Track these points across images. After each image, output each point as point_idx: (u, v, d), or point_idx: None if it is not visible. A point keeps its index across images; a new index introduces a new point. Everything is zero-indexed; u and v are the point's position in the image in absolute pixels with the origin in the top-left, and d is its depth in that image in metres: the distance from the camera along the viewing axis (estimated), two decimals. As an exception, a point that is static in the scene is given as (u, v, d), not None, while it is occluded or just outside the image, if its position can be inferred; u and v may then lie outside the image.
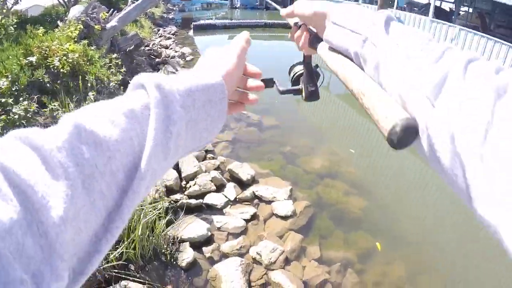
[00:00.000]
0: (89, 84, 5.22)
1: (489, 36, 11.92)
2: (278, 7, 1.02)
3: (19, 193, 0.30)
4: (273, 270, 3.70)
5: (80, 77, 5.13)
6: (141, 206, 3.45)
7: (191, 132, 0.49)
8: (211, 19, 27.59)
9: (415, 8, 23.60)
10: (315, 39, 0.76)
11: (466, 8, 18.96)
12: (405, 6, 35.08)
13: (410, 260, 4.24)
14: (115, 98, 0.46)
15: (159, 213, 3.69)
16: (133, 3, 10.18)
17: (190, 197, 4.55)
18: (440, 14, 17.01)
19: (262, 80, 0.74)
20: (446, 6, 20.44)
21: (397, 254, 4.27)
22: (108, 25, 7.74)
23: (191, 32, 20.15)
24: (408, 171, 6.69)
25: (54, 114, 4.30)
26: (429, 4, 16.72)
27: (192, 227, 3.99)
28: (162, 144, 0.42)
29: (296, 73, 0.95)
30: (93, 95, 4.83)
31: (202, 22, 21.95)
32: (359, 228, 4.63)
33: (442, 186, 5.51)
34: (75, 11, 7.51)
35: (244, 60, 0.68)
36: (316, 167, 5.93)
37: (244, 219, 4.37)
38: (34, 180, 0.31)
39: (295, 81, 0.96)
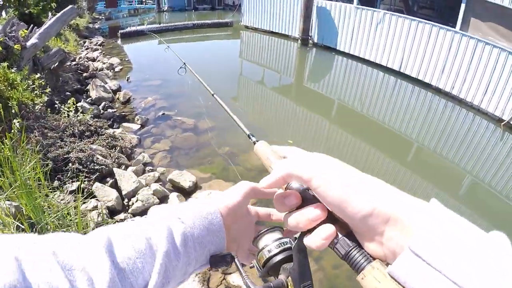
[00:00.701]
0: (12, 111, 4.97)
1: (412, 17, 12.62)
2: (254, 139, 0.80)
3: None
4: (230, 274, 3.74)
5: (1, 104, 4.87)
6: (85, 233, 3.35)
7: (185, 270, 0.58)
8: (143, 24, 27.00)
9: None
10: (346, 240, 0.49)
11: (389, -7, 19.86)
12: (331, -4, 36.08)
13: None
14: (143, 222, 0.58)
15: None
16: (54, 16, 9.78)
17: (134, 214, 4.47)
18: (365, 0, 17.68)
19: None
20: None
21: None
22: (29, 43, 7.37)
23: (119, 41, 19.65)
24: (349, 153, 6.98)
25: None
26: (354, -8, 17.37)
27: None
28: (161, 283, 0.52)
29: (274, 255, 0.63)
30: (19, 122, 4.61)
31: (129, 29, 21.42)
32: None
33: (381, 165, 5.79)
34: (-8, 30, 7.10)
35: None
36: (257, 163, 6.01)
37: (192, 228, 4.36)
38: None
39: (273, 267, 0.64)
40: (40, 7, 14.29)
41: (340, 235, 0.48)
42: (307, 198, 0.54)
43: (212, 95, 1.62)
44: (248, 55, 17.66)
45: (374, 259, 0.45)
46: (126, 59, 14.44)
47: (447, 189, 6.36)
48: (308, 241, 0.50)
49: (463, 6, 10.57)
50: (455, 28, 10.85)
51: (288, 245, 0.62)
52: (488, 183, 6.72)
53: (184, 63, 3.45)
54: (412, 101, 11.37)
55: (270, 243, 0.64)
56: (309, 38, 17.49)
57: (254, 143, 0.76)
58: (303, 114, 9.55)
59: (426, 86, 11.86)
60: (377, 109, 10.53)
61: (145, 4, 46.69)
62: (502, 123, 9.06)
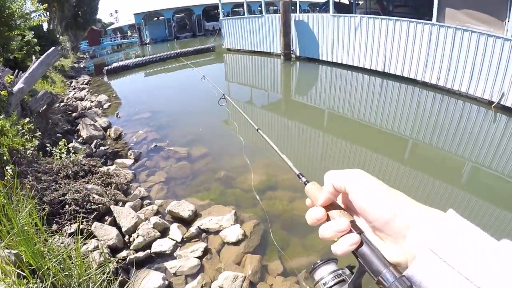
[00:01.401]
0: (4, 158, 4.93)
1: (388, 17, 12.91)
2: (304, 179, 0.78)
3: None
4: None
5: (-8, 152, 4.84)
6: (87, 275, 3.28)
7: None
8: (130, 58, 27.23)
9: (317, 8, 24.90)
10: (368, 252, 0.55)
11: (364, -3, 20.29)
12: (308, 8, 36.95)
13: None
14: None
15: (109, 277, 3.53)
16: (38, 59, 9.81)
17: (137, 250, 4.40)
18: (341, 8, 18.10)
19: None
20: (345, 0, 21.74)
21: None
22: (15, 88, 7.38)
23: (105, 78, 19.78)
24: (345, 158, 6.96)
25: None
26: (328, 1, 17.69)
27: (147, 281, 3.84)
28: None
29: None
30: (11, 168, 4.56)
31: (114, 65, 21.59)
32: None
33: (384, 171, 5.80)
34: (-21, 79, 7.10)
35: None
36: (254, 183, 5.99)
37: (197, 257, 4.30)
38: None
39: None
40: (24, 52, 14.39)
41: (364, 243, 0.55)
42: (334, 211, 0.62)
43: (257, 130, 1.55)
44: (233, 77, 17.79)
45: (391, 264, 0.51)
46: (114, 95, 14.49)
47: (448, 179, 6.30)
48: (335, 246, 0.57)
49: None
50: (431, 21, 11.05)
51: (343, 277, 0.64)
52: (489, 166, 6.73)
53: (224, 94, 3.55)
54: (401, 99, 11.47)
55: (325, 276, 0.66)
56: (291, 52, 17.74)
57: (305, 183, 0.75)
58: (295, 128, 9.57)
59: (413, 82, 12.01)
60: (367, 112, 10.58)
61: (128, 38, 47.24)
62: (493, 105, 9.21)
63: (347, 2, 21.35)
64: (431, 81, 11.33)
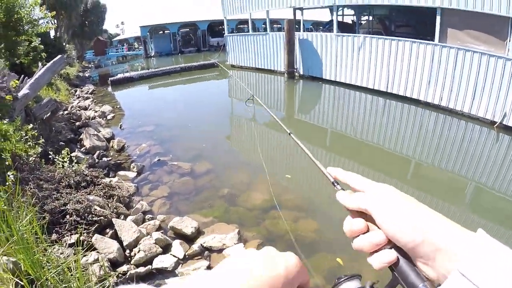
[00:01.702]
0: (6, 163, 4.83)
1: (391, 38, 13.09)
2: (339, 187, 0.71)
3: None
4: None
5: (-6, 157, 4.75)
6: (86, 288, 3.18)
7: None
8: (137, 70, 27.47)
9: (320, 27, 25.18)
10: (404, 267, 0.54)
11: (366, 17, 20.56)
12: (311, 27, 37.38)
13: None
14: None
15: (107, 291, 3.41)
16: (44, 66, 9.80)
17: (137, 265, 4.28)
18: (344, 27, 18.28)
19: None
20: (348, 19, 22.03)
21: (359, 262, 4.28)
22: (20, 94, 7.33)
23: (109, 88, 19.83)
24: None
25: (-30, 202, 3.90)
26: (332, 21, 17.85)
27: (145, 297, 3.72)
28: None
29: None
30: (13, 174, 4.47)
31: (119, 76, 21.71)
32: (318, 250, 4.67)
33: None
34: (-15, 82, 7.05)
35: None
36: (257, 202, 5.92)
37: (199, 276, 4.17)
38: None
39: None
40: (31, 57, 14.44)
41: (400, 260, 0.54)
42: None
43: (289, 134, 1.55)
44: (236, 93, 17.83)
45: (427, 280, 0.51)
46: (118, 106, 14.51)
47: (451, 200, 6.25)
48: (372, 260, 0.57)
49: (438, 18, 10.90)
50: (434, 41, 11.15)
51: None
52: (492, 186, 6.68)
53: (253, 95, 3.52)
54: (404, 119, 11.47)
55: None
56: (295, 70, 17.80)
57: (338, 189, 0.71)
58: (298, 147, 9.49)
59: (415, 102, 12.03)
60: (370, 132, 10.55)
61: (134, 50, 47.64)
62: (495, 125, 9.23)
63: (350, 22, 21.60)
64: (433, 101, 11.36)
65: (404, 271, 0.53)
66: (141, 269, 4.17)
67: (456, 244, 0.48)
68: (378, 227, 0.57)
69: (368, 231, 0.59)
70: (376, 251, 0.57)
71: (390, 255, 0.54)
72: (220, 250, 4.64)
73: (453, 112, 10.67)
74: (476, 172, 7.23)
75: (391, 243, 0.56)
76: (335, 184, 0.72)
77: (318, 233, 5.02)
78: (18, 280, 2.85)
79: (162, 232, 4.97)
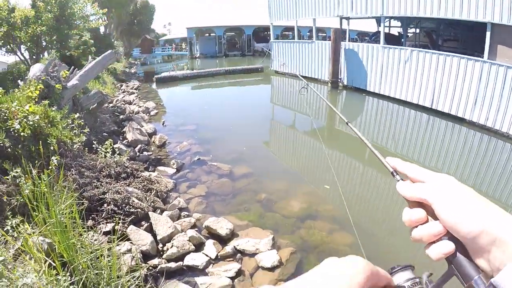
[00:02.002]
0: (51, 148, 4.94)
1: (439, 52, 12.59)
2: (398, 177, 0.69)
3: None
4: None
5: (41, 141, 4.85)
6: (118, 278, 3.15)
7: None
8: (182, 69, 28.09)
9: (366, 38, 24.85)
10: (461, 258, 0.54)
11: (413, 30, 20.10)
12: (356, 37, 36.96)
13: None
14: None
15: (138, 282, 3.38)
16: (94, 59, 10.09)
17: (169, 260, 4.26)
18: (390, 39, 17.87)
19: None
20: (395, 31, 21.62)
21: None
22: (69, 84, 7.55)
23: (154, 85, 20.23)
24: (386, 197, 6.67)
25: (17, 181, 3.98)
26: (378, 32, 17.51)
27: (174, 292, 3.68)
28: None
29: None
30: (57, 159, 4.55)
31: (164, 74, 22.17)
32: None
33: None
34: (36, 69, 7.30)
35: None
36: (294, 210, 5.80)
37: (229, 277, 4.09)
38: None
39: None
40: (81, 51, 15.02)
41: (457, 252, 0.54)
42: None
43: (347, 123, 1.58)
44: (279, 99, 17.77)
45: (482, 271, 0.52)
46: (161, 104, 14.75)
47: None
48: (430, 251, 0.57)
49: (488, 34, 10.37)
50: (482, 57, 10.63)
51: (420, 286, 0.60)
52: None
53: (307, 84, 3.62)
54: (447, 137, 10.97)
55: (402, 282, 0.61)
56: (339, 80, 17.54)
57: (398, 180, 0.70)
58: (336, 158, 9.29)
59: (460, 120, 11.53)
60: (411, 147, 10.21)
61: (181, 51, 48.63)
62: None
63: (396, 34, 21.16)
64: (479, 121, 10.81)
65: (460, 262, 0.54)
66: (172, 265, 4.13)
67: None
68: (437, 218, 0.57)
69: (427, 221, 0.59)
70: (433, 242, 0.57)
71: (449, 245, 0.54)
72: (252, 254, 4.54)
73: (499, 133, 10.12)
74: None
75: (448, 234, 0.56)
76: (394, 174, 0.71)
77: (351, 247, 4.85)
78: (51, 261, 2.86)
79: (196, 230, 4.93)
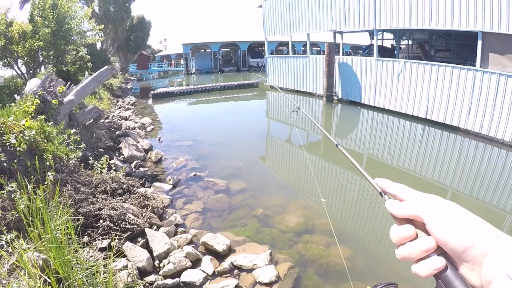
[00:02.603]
0: (47, 163, 4.92)
1: (432, 63, 12.75)
2: (387, 197, 0.71)
3: None
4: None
5: (36, 156, 4.83)
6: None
7: None
8: (178, 85, 28.31)
9: (359, 51, 25.16)
10: (450, 274, 0.55)
11: (406, 41, 20.34)
12: (350, 50, 37.29)
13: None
14: None
15: (134, 299, 3.34)
16: (90, 75, 10.11)
17: (165, 277, 4.20)
18: (384, 52, 18.08)
19: None
20: (388, 43, 21.90)
21: None
22: (66, 99, 7.54)
23: (150, 101, 20.28)
24: (382, 207, 6.65)
25: (12, 196, 3.95)
26: (371, 45, 17.68)
27: (170, 310, 3.63)
28: None
29: None
30: (52, 175, 4.52)
31: (160, 90, 22.26)
32: (348, 278, 4.45)
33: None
34: (33, 84, 7.30)
35: None
36: (291, 225, 5.77)
37: (227, 293, 4.05)
38: None
39: None
40: (77, 66, 15.06)
41: (447, 267, 0.54)
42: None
43: (336, 145, 1.58)
44: (274, 114, 17.81)
45: (472, 287, 0.52)
46: (157, 119, 14.77)
47: None
48: (418, 268, 0.57)
49: (479, 43, 10.53)
50: (475, 66, 10.78)
51: None
52: None
53: (298, 107, 3.72)
54: (442, 147, 11.02)
55: None
56: (334, 94, 17.66)
57: (385, 200, 0.71)
58: (333, 171, 9.30)
59: (455, 129, 11.64)
60: (407, 159, 10.21)
61: (178, 66, 48.90)
62: None
63: (389, 46, 21.42)
64: (474, 129, 10.95)
65: (450, 278, 0.54)
66: (169, 281, 4.08)
67: (505, 249, 0.49)
68: (427, 234, 0.58)
69: (416, 238, 0.59)
70: (421, 259, 0.57)
71: (439, 261, 0.55)
72: (250, 270, 4.50)
73: (494, 140, 10.24)
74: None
75: (438, 250, 0.56)
76: (383, 194, 0.72)
77: (349, 260, 4.83)
78: (46, 277, 2.83)
79: (193, 246, 4.89)
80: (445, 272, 0.54)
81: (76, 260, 3.32)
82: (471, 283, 0.53)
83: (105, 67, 11.03)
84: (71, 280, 2.97)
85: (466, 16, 10.74)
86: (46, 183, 4.21)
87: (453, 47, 16.98)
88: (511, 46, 9.85)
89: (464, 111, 11.26)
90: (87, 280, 3.11)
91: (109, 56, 28.78)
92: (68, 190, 4.72)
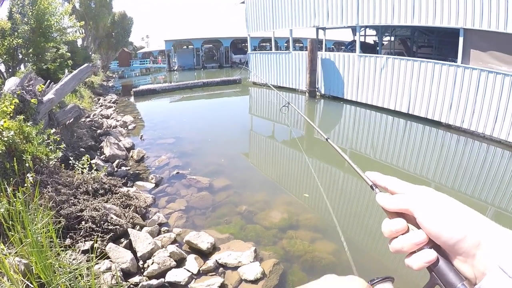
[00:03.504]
0: (26, 164, 4.82)
1: (414, 59, 13.01)
2: (377, 190, 0.70)
3: None
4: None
5: (15, 157, 4.73)
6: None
7: None
8: (160, 83, 28.09)
9: (342, 47, 25.34)
10: (443, 266, 0.55)
11: (388, 38, 20.56)
12: (333, 46, 37.50)
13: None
14: None
15: (118, 302, 3.31)
16: (71, 72, 9.95)
17: (150, 277, 4.17)
18: (366, 48, 18.24)
19: None
20: (370, 39, 22.12)
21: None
22: (45, 98, 7.41)
23: (132, 99, 20.07)
24: (366, 203, 6.73)
25: (-10, 201, 3.87)
26: (354, 41, 17.81)
27: (156, 310, 3.61)
28: None
29: None
30: (32, 176, 4.45)
31: (142, 87, 22.03)
32: (334, 272, 4.47)
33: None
34: (11, 83, 7.15)
35: None
36: (275, 221, 5.79)
37: (212, 292, 4.04)
38: None
39: None
40: (57, 64, 14.79)
41: (439, 260, 0.55)
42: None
43: (326, 139, 1.56)
44: (257, 110, 17.82)
45: (465, 279, 0.52)
46: (139, 117, 14.63)
47: None
48: (411, 261, 0.57)
49: (461, 39, 10.77)
50: (456, 62, 11.02)
51: None
52: None
53: (288, 102, 3.73)
54: (424, 141, 11.25)
55: None
56: (316, 90, 17.75)
57: (376, 192, 0.71)
58: (316, 166, 9.35)
59: (437, 124, 11.89)
60: (389, 153, 10.39)
61: (157, 63, 48.49)
62: None
63: (372, 42, 21.61)
64: (455, 123, 11.21)
65: (443, 270, 0.54)
66: (154, 282, 4.05)
67: (497, 240, 0.49)
68: (418, 227, 0.58)
69: (408, 231, 0.60)
70: (413, 252, 0.58)
71: (431, 254, 0.55)
72: (235, 268, 4.51)
73: (475, 134, 10.51)
74: (496, 197, 6.95)
75: (429, 243, 0.57)
76: (373, 187, 0.72)
77: (334, 255, 4.89)
78: (28, 283, 2.79)
79: (177, 246, 4.86)
80: (438, 265, 0.55)
81: (59, 263, 3.28)
82: (465, 275, 0.53)
83: (86, 64, 10.87)
84: (54, 285, 2.94)
85: (448, 13, 10.93)
86: (26, 185, 4.14)
87: (435, 44, 17.22)
88: (492, 43, 10.05)
89: (445, 106, 11.48)
90: (70, 284, 3.07)
91: (90, 53, 28.35)
92: (49, 192, 4.64)
